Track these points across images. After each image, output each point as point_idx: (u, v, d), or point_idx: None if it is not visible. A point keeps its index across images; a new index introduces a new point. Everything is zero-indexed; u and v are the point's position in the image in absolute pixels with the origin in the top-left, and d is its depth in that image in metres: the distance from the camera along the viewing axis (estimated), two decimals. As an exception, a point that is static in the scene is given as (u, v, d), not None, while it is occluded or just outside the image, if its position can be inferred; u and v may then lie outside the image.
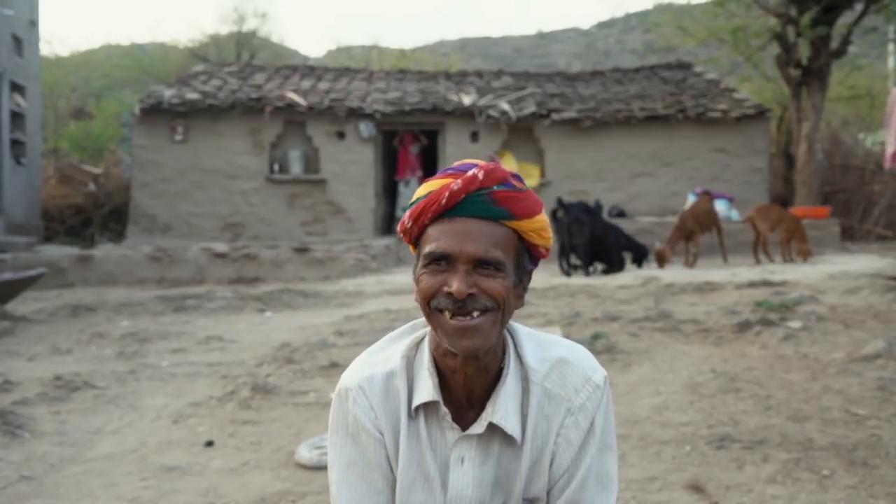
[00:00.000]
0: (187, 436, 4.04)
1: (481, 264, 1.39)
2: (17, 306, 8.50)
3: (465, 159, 1.50)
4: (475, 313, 1.38)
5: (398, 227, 1.49)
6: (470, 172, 1.41)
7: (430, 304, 1.41)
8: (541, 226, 1.45)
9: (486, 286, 1.38)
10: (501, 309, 1.40)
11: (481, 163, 1.44)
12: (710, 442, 3.56)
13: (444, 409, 1.46)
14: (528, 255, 1.48)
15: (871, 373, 4.56)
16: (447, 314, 1.39)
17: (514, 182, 1.43)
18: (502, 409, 1.45)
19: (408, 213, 1.45)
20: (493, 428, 1.46)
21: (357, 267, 11.79)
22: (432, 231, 1.41)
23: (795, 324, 5.86)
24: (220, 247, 12.10)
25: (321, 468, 3.38)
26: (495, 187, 1.41)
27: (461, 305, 1.38)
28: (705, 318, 6.45)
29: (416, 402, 1.47)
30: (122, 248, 12.74)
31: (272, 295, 9.34)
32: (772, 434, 3.62)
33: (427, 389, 1.46)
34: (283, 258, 11.73)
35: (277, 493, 3.23)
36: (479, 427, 1.46)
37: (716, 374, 4.64)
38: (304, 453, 3.56)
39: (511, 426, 1.45)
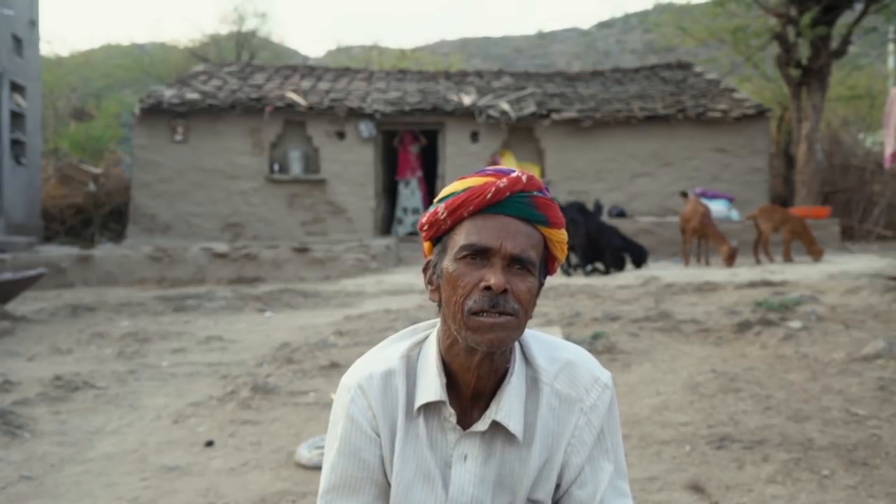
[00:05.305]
0: (187, 436, 4.04)
1: (516, 262, 1.39)
2: (17, 306, 8.50)
3: (492, 166, 1.52)
4: (502, 316, 1.38)
5: (421, 220, 1.47)
6: (514, 174, 1.43)
7: (465, 306, 1.39)
8: (564, 239, 1.48)
9: (516, 286, 1.38)
10: (525, 312, 1.40)
11: (515, 170, 1.47)
12: (710, 442, 3.56)
13: (451, 410, 1.46)
14: (545, 266, 1.49)
15: (871, 373, 4.56)
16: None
17: (546, 192, 1.46)
18: (506, 407, 1.45)
19: (442, 204, 1.44)
20: (496, 426, 1.46)
21: (357, 267, 11.79)
22: (470, 225, 1.41)
23: (795, 324, 5.86)
24: (220, 247, 12.10)
25: (321, 468, 3.37)
26: (535, 192, 1.43)
27: (495, 303, 1.37)
28: (705, 318, 6.44)
29: (421, 401, 1.46)
30: (122, 248, 12.75)
31: (272, 295, 9.33)
32: (772, 434, 3.62)
33: (434, 389, 1.45)
34: (283, 258, 11.72)
35: (277, 493, 3.23)
36: (482, 425, 1.45)
37: (716, 374, 4.64)
38: (304, 453, 3.56)
39: (514, 425, 1.45)
